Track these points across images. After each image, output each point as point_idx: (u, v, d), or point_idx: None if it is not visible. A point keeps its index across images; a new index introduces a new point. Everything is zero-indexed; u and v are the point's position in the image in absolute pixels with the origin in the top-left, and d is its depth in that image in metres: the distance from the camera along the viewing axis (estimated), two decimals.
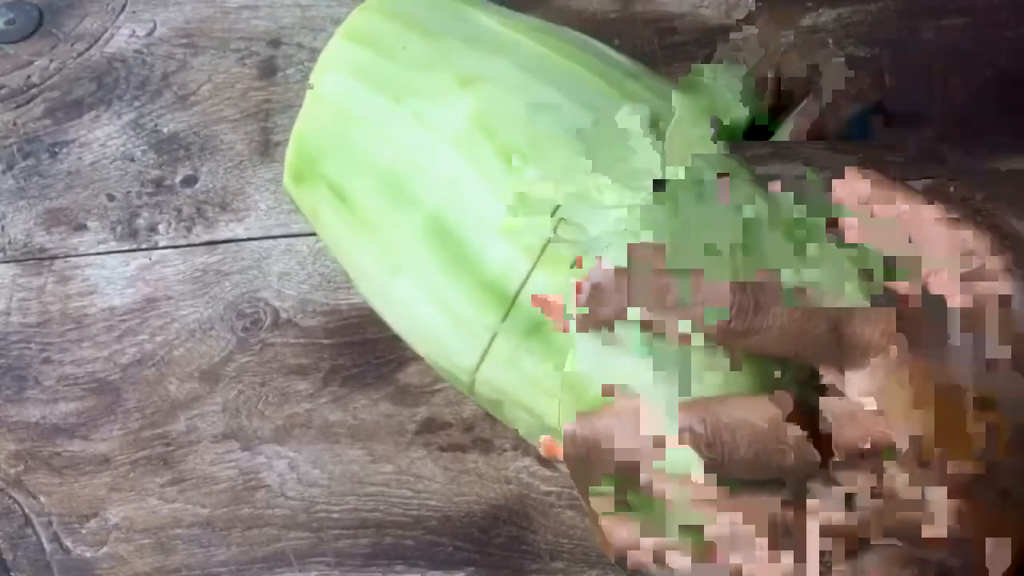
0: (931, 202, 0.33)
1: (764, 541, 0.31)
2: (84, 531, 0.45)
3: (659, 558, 0.33)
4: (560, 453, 0.33)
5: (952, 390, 0.30)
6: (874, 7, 0.56)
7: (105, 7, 0.58)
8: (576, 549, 0.44)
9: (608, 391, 0.33)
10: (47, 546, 0.44)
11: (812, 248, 0.32)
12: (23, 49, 0.57)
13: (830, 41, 0.54)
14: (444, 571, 0.44)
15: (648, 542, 0.33)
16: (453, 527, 0.45)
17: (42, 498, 0.45)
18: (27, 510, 0.45)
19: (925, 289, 0.32)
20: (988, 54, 0.47)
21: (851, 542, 0.31)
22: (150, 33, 0.58)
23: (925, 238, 0.33)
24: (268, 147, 0.54)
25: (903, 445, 0.30)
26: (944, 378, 0.30)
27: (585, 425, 0.33)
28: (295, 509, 0.45)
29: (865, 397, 0.31)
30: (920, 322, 0.31)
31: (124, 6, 0.59)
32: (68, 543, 0.44)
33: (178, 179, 0.54)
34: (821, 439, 0.31)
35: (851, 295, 0.31)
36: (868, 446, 0.30)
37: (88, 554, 0.44)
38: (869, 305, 0.31)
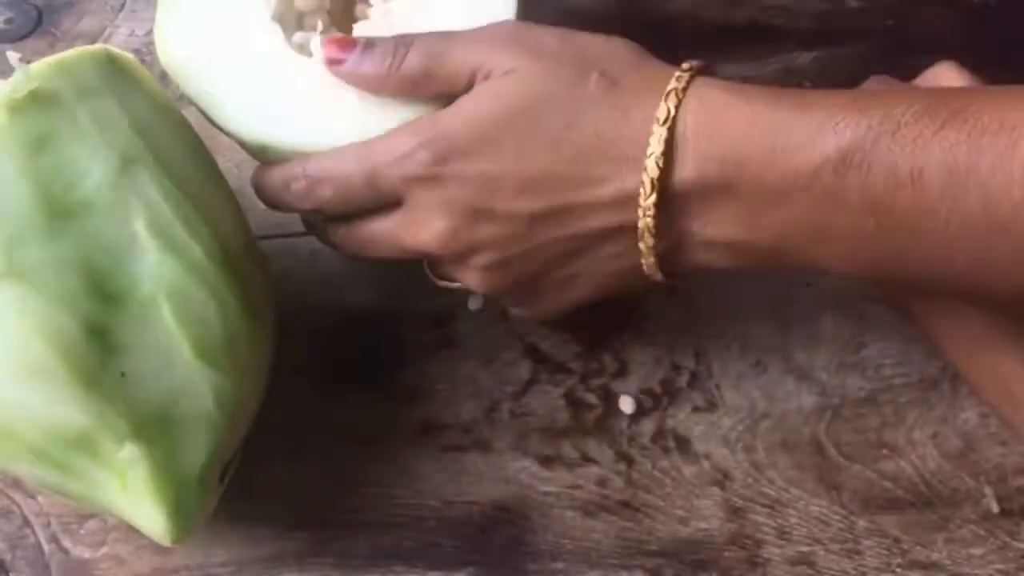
0: None
1: None
2: (83, 531, 0.45)
3: None
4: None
5: None
6: (851, 49, 0.56)
7: (104, 6, 0.58)
8: (576, 549, 0.44)
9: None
10: (46, 547, 0.44)
11: None
12: (22, 48, 0.56)
13: (807, 83, 0.55)
14: (444, 571, 0.44)
15: None
16: (452, 527, 0.45)
17: (40, 498, 0.45)
18: (25, 510, 0.45)
19: None
20: None
21: None
22: (149, 32, 0.57)
23: None
24: None
25: None
26: None
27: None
28: (295, 509, 0.45)
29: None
30: None
31: (123, 5, 0.58)
32: (67, 543, 0.44)
33: None
34: None
35: None
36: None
37: (87, 555, 0.44)
38: None
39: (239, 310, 0.39)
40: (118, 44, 0.57)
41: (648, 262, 0.39)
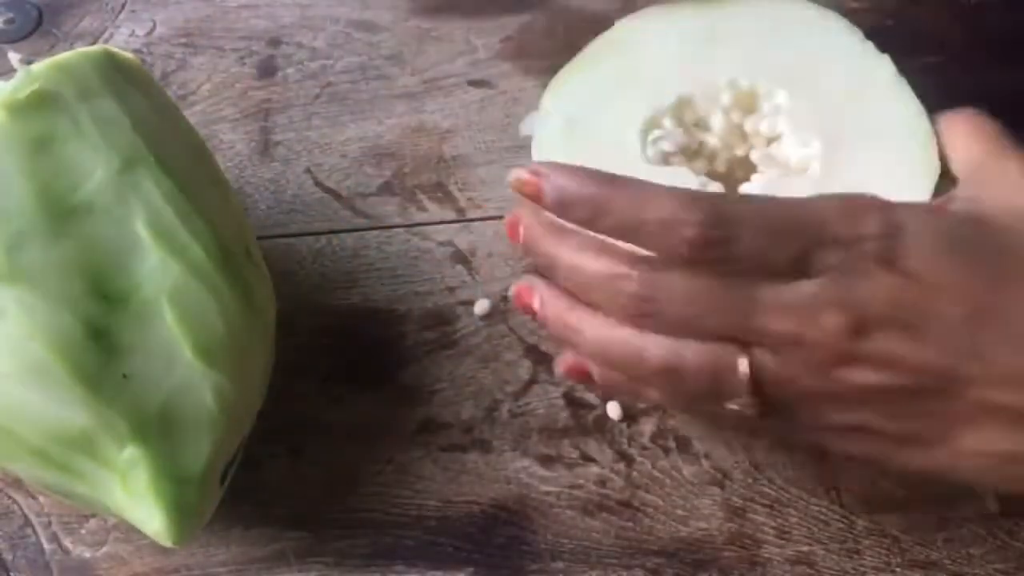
0: None
1: None
2: (84, 531, 0.45)
3: None
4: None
5: None
6: None
7: (104, 6, 0.58)
8: (576, 549, 0.44)
9: None
10: (46, 546, 0.44)
11: None
12: (22, 48, 0.57)
13: None
14: (444, 571, 0.44)
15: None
16: (453, 527, 0.45)
17: (41, 498, 0.45)
18: (26, 510, 0.45)
19: None
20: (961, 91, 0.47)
21: None
22: (149, 32, 0.58)
23: None
24: (268, 147, 0.54)
25: None
26: None
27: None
28: (295, 509, 0.45)
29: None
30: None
31: (123, 5, 0.59)
32: (68, 543, 0.44)
33: None
34: None
35: None
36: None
37: (88, 554, 0.44)
38: None
39: (239, 310, 0.39)
40: (119, 45, 0.57)
41: None
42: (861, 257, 0.33)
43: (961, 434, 0.33)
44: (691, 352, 0.34)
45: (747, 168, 0.42)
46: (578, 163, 0.39)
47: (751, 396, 0.34)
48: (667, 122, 0.41)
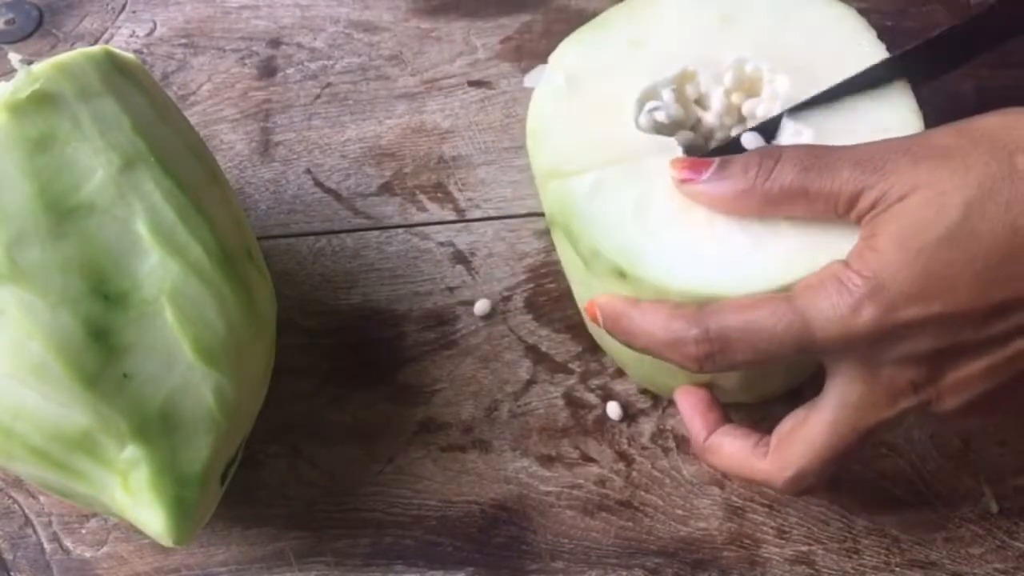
0: None
1: None
2: (84, 531, 0.45)
3: None
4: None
5: None
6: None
7: (105, 7, 0.59)
8: (576, 549, 0.44)
9: None
10: (47, 546, 0.45)
11: None
12: (23, 49, 0.57)
13: None
14: (444, 571, 0.44)
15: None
16: (452, 527, 0.45)
17: (42, 498, 0.45)
18: (27, 510, 0.45)
19: None
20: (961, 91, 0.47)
21: None
22: (150, 33, 0.58)
23: None
24: (268, 147, 0.54)
25: None
26: None
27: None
28: (295, 509, 0.45)
29: None
30: None
31: (124, 6, 0.59)
32: (68, 543, 0.45)
33: None
34: None
35: None
36: None
37: (88, 554, 0.44)
38: None
39: (239, 310, 0.39)
40: (119, 45, 0.57)
41: None
42: (877, 323, 0.34)
43: None
44: None
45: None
46: (571, 120, 0.41)
47: None
48: (666, 94, 0.41)
